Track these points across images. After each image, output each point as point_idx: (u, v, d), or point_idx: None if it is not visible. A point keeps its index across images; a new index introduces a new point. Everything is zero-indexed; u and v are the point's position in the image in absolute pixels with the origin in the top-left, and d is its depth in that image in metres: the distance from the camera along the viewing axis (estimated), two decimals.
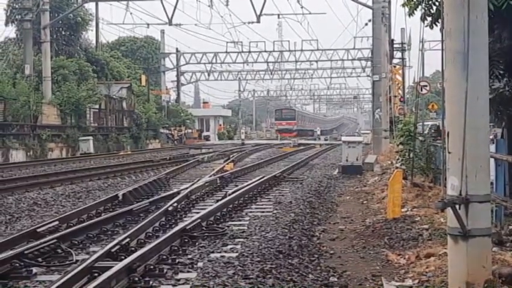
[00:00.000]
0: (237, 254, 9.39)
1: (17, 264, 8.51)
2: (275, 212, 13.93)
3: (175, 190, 16.88)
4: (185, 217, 13.14)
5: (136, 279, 7.83)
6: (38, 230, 10.80)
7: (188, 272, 8.47)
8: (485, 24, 6.77)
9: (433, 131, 21.20)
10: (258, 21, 45.89)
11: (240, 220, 12.90)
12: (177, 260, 8.98)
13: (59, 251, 9.53)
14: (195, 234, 10.77)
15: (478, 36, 6.69)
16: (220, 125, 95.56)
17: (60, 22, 53.08)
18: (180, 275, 8.30)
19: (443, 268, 7.67)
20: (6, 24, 51.91)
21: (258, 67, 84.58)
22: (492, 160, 10.59)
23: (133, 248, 9.41)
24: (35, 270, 8.52)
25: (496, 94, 12.49)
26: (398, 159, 20.35)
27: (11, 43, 52.19)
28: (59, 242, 9.75)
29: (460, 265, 6.72)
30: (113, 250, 8.98)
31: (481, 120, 6.75)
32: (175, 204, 13.70)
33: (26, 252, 8.94)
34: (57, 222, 11.63)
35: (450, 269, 6.93)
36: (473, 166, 6.64)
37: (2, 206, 15.29)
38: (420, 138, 18.02)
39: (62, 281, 7.29)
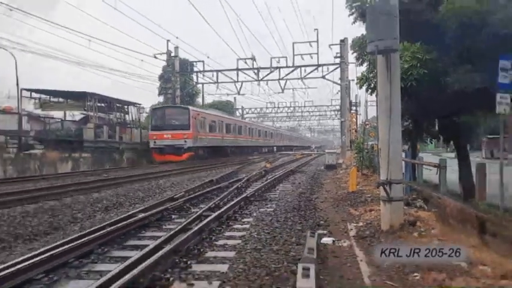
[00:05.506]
0: (273, 209, 9.40)
1: (165, 213, 8.71)
2: (292, 188, 13.88)
3: (241, 177, 16.89)
4: (246, 190, 13.18)
5: (222, 221, 7.93)
6: (175, 197, 10.95)
7: (248, 218, 8.52)
8: (399, 93, 6.77)
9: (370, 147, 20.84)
10: (282, 92, 45.67)
11: (274, 192, 12.86)
12: (242, 212, 9.06)
13: (184, 207, 9.66)
14: (251, 199, 10.82)
15: (395, 99, 6.70)
16: None
17: (185, 93, 53.66)
18: (244, 219, 8.35)
19: (378, 217, 7.60)
20: (159, 94, 52.85)
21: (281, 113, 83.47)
22: (403, 162, 10.47)
23: (221, 206, 9.48)
24: (174, 216, 8.68)
25: (405, 128, 12.35)
26: (354, 161, 20.10)
27: None
28: (184, 203, 9.90)
29: (387, 215, 6.72)
30: (211, 207, 9.09)
31: (397, 141, 6.73)
32: (240, 184, 13.77)
33: (169, 207, 9.13)
34: (183, 193, 11.79)
35: (382, 218, 6.91)
36: (393, 165, 6.63)
37: (160, 185, 15.17)
38: (365, 150, 17.81)
39: (187, 221, 7.47)
